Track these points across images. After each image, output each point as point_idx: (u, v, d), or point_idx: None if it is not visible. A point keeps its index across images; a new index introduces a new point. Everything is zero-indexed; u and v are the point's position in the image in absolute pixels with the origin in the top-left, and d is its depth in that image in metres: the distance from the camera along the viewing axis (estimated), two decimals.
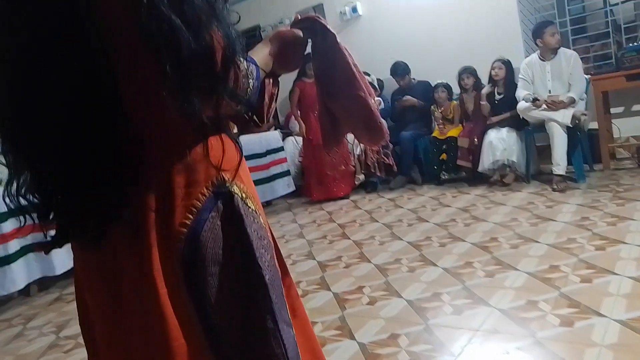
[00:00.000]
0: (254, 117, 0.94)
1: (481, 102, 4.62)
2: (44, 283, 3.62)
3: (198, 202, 0.78)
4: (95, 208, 0.74)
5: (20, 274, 3.28)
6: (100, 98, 0.69)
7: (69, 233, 0.79)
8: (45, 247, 0.82)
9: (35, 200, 0.77)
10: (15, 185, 0.76)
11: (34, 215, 0.79)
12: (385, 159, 5.06)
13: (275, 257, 0.87)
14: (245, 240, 0.80)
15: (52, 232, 0.80)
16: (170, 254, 0.76)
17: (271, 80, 0.97)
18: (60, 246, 0.81)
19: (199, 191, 0.78)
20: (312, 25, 1.07)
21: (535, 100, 4.15)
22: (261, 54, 0.96)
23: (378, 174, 5.14)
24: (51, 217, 0.78)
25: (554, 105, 4.07)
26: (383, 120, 1.23)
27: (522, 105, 4.28)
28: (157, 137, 0.75)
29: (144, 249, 0.75)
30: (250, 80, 0.84)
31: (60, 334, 2.77)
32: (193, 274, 0.77)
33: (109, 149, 0.71)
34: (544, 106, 4.11)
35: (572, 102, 4.09)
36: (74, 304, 2.75)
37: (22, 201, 0.77)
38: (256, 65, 0.89)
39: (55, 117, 0.71)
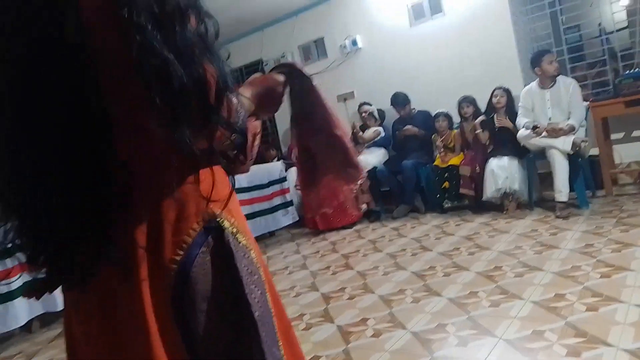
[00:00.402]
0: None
1: (476, 132, 4.64)
2: (46, 319, 3.59)
3: (188, 237, 0.77)
4: (82, 248, 0.73)
5: (23, 310, 3.26)
6: (89, 130, 0.69)
7: (58, 274, 0.78)
8: (36, 293, 0.81)
9: (23, 242, 0.77)
10: (3, 229, 0.76)
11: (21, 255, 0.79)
12: (361, 194, 5.10)
13: (266, 293, 0.86)
14: (235, 275, 0.80)
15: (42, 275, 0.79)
16: (160, 289, 0.75)
17: (254, 119, 0.98)
18: (51, 291, 0.80)
19: (189, 226, 0.78)
20: (289, 70, 1.13)
21: (535, 127, 4.18)
22: (242, 97, 0.97)
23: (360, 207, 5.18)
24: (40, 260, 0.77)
25: (554, 132, 4.10)
26: (359, 160, 1.30)
27: (522, 133, 4.31)
28: (147, 169, 0.75)
29: (134, 285, 0.74)
30: (242, 112, 0.83)
31: None
32: (183, 310, 0.76)
33: (96, 184, 0.71)
34: (544, 133, 4.13)
35: (572, 129, 4.11)
36: None
37: (10, 244, 0.77)
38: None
39: (41, 149, 0.70)
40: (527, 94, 4.41)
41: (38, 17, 0.68)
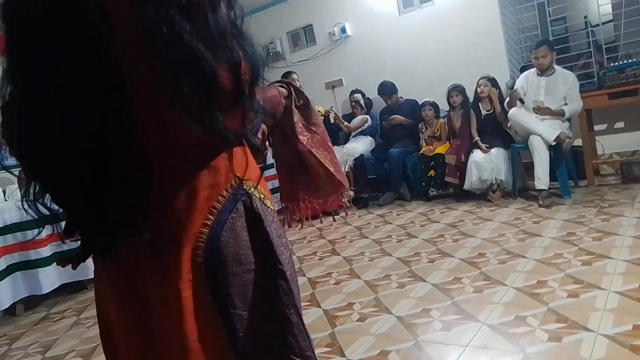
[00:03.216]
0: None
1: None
2: (31, 302, 3.58)
3: (218, 204, 0.80)
4: (114, 218, 0.76)
5: (6, 292, 3.24)
6: (120, 110, 0.71)
7: (91, 245, 0.80)
8: (73, 261, 0.83)
9: (52, 209, 0.79)
10: (32, 194, 0.78)
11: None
12: (347, 203, 5.11)
13: (292, 257, 0.91)
14: (265, 239, 0.83)
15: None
16: (192, 255, 0.78)
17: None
18: (84, 260, 0.83)
19: (218, 193, 0.80)
20: (289, 86, 1.22)
21: (522, 100, 4.27)
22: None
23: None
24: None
25: (541, 111, 4.18)
26: (341, 169, 1.40)
27: (512, 112, 4.34)
28: (179, 147, 0.77)
29: (168, 252, 0.77)
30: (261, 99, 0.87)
31: (47, 354, 2.73)
32: (215, 274, 0.79)
33: (127, 159, 0.73)
34: (532, 114, 4.20)
35: (561, 113, 4.19)
36: (61, 323, 2.72)
37: (42, 209, 0.79)
38: None
39: (76, 129, 0.72)
40: (524, 77, 4.47)
41: (67, 6, 0.70)
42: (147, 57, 0.69)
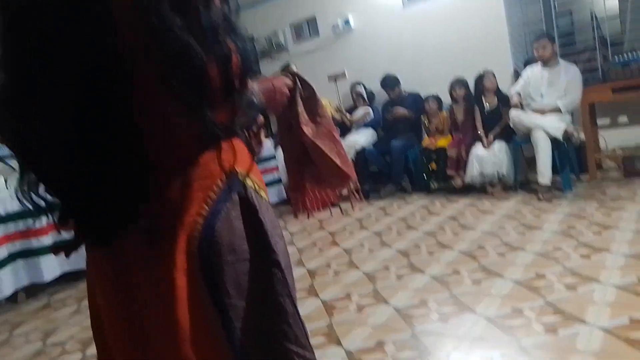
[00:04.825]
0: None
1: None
2: (32, 290, 3.61)
3: (213, 194, 0.80)
4: (112, 207, 0.76)
5: (8, 280, 3.27)
6: (112, 101, 0.71)
7: (84, 233, 0.81)
8: (66, 249, 0.83)
9: (47, 199, 0.79)
10: (26, 184, 0.78)
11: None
12: (356, 194, 5.11)
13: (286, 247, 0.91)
14: (260, 228, 0.84)
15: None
16: (187, 244, 0.78)
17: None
18: (77, 248, 0.83)
19: (213, 183, 0.80)
20: (294, 76, 1.22)
21: (520, 104, 4.29)
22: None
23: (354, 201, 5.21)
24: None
25: (537, 111, 4.22)
26: (349, 166, 1.37)
27: (514, 112, 4.33)
28: (171, 140, 0.77)
29: (162, 240, 0.77)
30: (258, 94, 0.86)
31: (47, 341, 2.75)
32: (209, 263, 0.79)
33: (122, 151, 0.73)
34: (534, 114, 4.20)
35: (556, 109, 4.19)
36: (62, 311, 2.75)
37: (37, 200, 0.79)
38: None
39: (71, 119, 0.72)
40: (529, 68, 4.49)
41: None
42: (143, 48, 0.69)
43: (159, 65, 0.68)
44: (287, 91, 1.16)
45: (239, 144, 0.86)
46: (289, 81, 1.17)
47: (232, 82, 0.74)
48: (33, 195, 0.79)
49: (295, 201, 1.49)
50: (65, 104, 0.71)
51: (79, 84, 0.70)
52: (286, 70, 1.26)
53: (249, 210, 0.83)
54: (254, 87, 0.85)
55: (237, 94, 0.75)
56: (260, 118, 1.01)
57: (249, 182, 0.85)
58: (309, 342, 0.88)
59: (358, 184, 5.28)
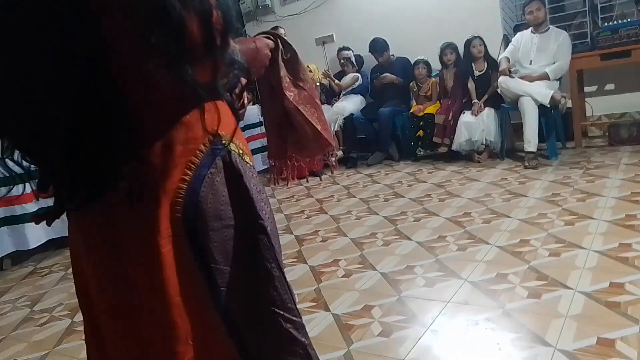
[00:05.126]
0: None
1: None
2: (18, 257, 3.59)
3: (196, 159, 0.79)
4: (93, 172, 0.74)
5: None
6: (92, 65, 0.69)
7: (66, 199, 0.79)
8: (47, 217, 0.81)
9: (25, 163, 0.77)
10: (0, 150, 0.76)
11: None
12: (334, 162, 5.08)
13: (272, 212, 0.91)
14: (245, 194, 0.83)
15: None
16: (171, 210, 0.77)
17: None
18: (59, 216, 0.81)
19: (196, 148, 0.79)
20: (276, 37, 1.17)
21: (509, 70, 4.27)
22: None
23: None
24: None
25: (524, 78, 4.21)
26: (329, 133, 1.34)
27: (502, 78, 4.31)
28: (153, 101, 0.75)
29: (144, 206, 0.75)
30: (238, 53, 0.84)
31: (35, 307, 2.75)
32: (194, 229, 0.78)
33: (100, 115, 0.71)
34: (522, 81, 4.19)
35: (544, 77, 4.18)
36: (49, 278, 2.73)
37: (11, 164, 0.76)
38: None
39: (49, 87, 0.70)
40: (519, 34, 4.47)
41: None
42: (121, 5, 0.67)
43: (137, 22, 0.66)
44: (269, 52, 1.12)
45: (223, 107, 0.84)
46: (270, 42, 1.13)
47: (213, 37, 0.71)
48: (9, 162, 0.76)
49: (275, 168, 1.45)
50: (41, 66, 0.69)
51: (54, 44, 0.68)
52: (267, 32, 1.21)
53: (234, 176, 0.82)
54: (236, 46, 0.83)
55: (218, 50, 0.73)
56: (244, 80, 0.99)
57: (232, 147, 0.83)
58: (296, 306, 0.89)
59: (339, 152, 5.27)
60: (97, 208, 0.78)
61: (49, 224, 0.84)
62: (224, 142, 0.82)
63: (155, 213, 0.76)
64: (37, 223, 0.84)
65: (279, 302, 0.85)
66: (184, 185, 0.77)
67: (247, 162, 0.86)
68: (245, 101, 1.00)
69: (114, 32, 0.68)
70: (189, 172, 0.78)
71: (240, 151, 0.85)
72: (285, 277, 0.87)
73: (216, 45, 0.72)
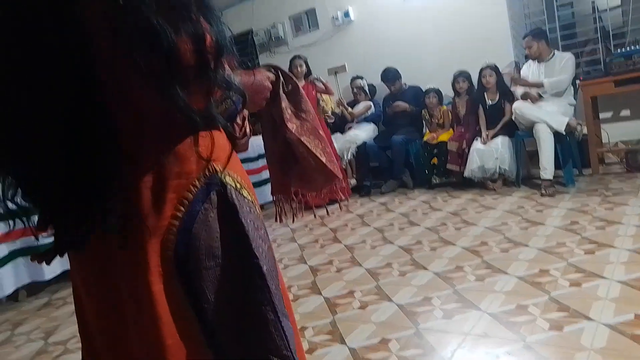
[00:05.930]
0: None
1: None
2: (33, 288, 3.59)
3: (189, 194, 0.76)
4: (82, 212, 0.72)
5: (9, 279, 3.25)
6: (81, 96, 0.67)
7: (58, 238, 0.77)
8: (46, 257, 0.79)
9: (24, 204, 0.75)
10: (0, 189, 0.74)
11: (23, 219, 0.78)
12: (342, 194, 5.07)
13: (272, 249, 0.86)
14: (240, 231, 0.79)
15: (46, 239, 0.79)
16: (162, 247, 0.74)
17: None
18: (62, 255, 0.79)
19: (190, 183, 0.76)
20: (276, 70, 1.16)
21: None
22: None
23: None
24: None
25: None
26: (334, 165, 1.30)
27: (517, 104, 4.30)
28: (144, 130, 0.73)
29: (136, 245, 0.73)
30: (235, 78, 0.81)
31: (49, 339, 2.74)
32: (187, 268, 0.75)
33: (89, 149, 0.69)
34: (534, 105, 4.19)
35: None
36: (64, 309, 2.72)
37: (10, 205, 0.75)
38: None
39: (38, 120, 0.68)
40: (526, 66, 4.53)
41: None
42: (111, 29, 0.66)
43: (126, 46, 0.65)
44: (270, 85, 1.09)
45: (219, 137, 0.81)
46: (271, 75, 1.11)
47: (207, 61, 0.70)
48: (8, 202, 0.75)
49: (279, 203, 1.40)
50: (29, 95, 0.67)
51: (42, 71, 0.66)
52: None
53: (228, 211, 0.79)
54: (232, 73, 0.81)
55: (212, 74, 0.72)
56: (245, 112, 0.97)
57: (228, 179, 0.80)
58: (292, 352, 0.83)
59: (344, 183, 5.25)
60: (92, 245, 0.76)
61: (48, 264, 0.81)
62: (219, 175, 0.79)
63: (145, 251, 0.73)
64: (39, 262, 0.82)
65: (274, 348, 0.81)
66: (176, 222, 0.75)
67: (245, 197, 0.82)
68: (247, 130, 0.98)
69: (105, 57, 0.67)
70: (182, 207, 0.75)
71: (238, 185, 0.82)
72: (280, 321, 0.81)
73: (210, 69, 0.71)
